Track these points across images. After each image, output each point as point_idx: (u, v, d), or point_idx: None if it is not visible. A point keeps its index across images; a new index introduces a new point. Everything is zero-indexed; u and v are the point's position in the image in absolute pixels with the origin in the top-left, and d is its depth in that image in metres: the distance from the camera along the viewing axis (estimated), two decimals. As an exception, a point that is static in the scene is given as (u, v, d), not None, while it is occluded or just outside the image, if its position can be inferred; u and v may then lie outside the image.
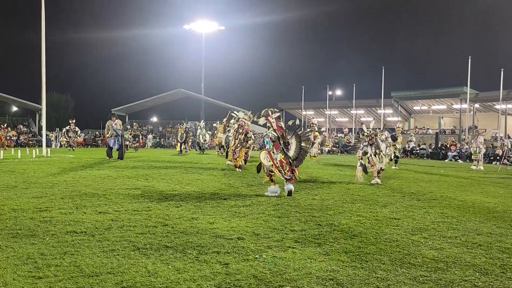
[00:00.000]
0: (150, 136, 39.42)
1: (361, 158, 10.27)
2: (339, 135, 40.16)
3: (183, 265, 3.45)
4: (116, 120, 16.88)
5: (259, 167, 7.89)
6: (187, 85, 48.28)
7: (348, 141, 33.97)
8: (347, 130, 44.09)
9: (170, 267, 3.40)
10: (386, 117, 43.71)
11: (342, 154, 30.98)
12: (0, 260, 3.48)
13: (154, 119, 50.98)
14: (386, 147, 10.95)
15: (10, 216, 5.23)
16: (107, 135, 17.19)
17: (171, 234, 4.44)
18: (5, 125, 28.93)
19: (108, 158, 16.74)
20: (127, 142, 23.71)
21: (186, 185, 8.44)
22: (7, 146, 26.38)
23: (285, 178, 7.40)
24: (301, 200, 7.06)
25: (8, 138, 27.04)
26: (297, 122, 8.39)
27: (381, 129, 13.01)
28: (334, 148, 32.65)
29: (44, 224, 4.81)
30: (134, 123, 34.89)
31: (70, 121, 28.48)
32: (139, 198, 6.74)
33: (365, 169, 10.07)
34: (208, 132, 26.84)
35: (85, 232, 4.48)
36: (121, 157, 16.54)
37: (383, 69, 39.03)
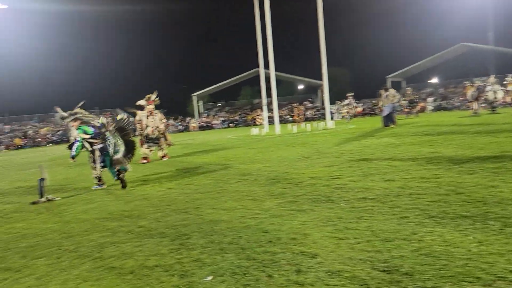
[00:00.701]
0: (430, 99, 37.42)
1: None
2: None
3: (485, 237, 3.12)
4: (389, 91, 17.37)
5: None
6: (469, 38, 43.02)
7: None
8: None
9: (470, 238, 3.13)
10: None
11: None
12: (306, 221, 3.98)
13: (434, 80, 47.97)
14: None
15: (309, 183, 5.93)
16: (380, 105, 17.95)
17: (466, 203, 4.08)
18: (298, 103, 32.86)
19: (385, 126, 16.96)
20: (399, 109, 23.58)
21: (478, 150, 7.62)
22: (299, 121, 29.99)
23: None
24: None
25: (299, 114, 30.68)
26: None
27: None
28: None
29: (337, 191, 5.23)
30: (408, 88, 33.71)
31: (348, 94, 29.98)
32: (425, 165, 6.49)
33: None
34: (501, 88, 23.27)
35: (375, 198, 4.63)
36: (392, 122, 16.99)
37: None
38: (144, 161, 11.16)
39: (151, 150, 11.61)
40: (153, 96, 11.71)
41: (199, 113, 50.50)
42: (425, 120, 20.25)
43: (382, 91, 17.87)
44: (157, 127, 11.59)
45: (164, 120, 12.11)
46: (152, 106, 11.58)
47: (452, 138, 10.15)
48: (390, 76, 46.46)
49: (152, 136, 11.47)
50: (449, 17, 50.65)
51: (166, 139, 11.91)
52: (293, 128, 22.35)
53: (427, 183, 5.17)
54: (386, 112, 17.28)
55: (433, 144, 9.14)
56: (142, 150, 11.32)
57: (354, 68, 61.63)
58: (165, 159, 11.54)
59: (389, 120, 17.16)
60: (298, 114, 30.90)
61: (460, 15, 46.84)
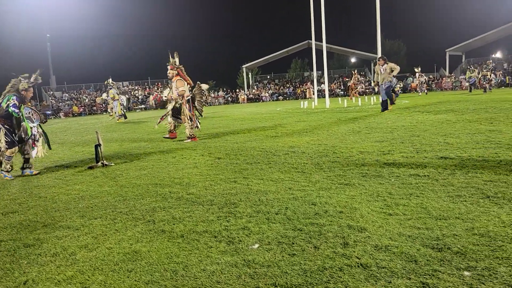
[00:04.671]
0: (492, 75, 35.33)
1: None
2: None
3: (547, 221, 2.95)
4: (385, 65, 13.58)
5: None
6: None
7: None
8: None
9: (530, 220, 2.97)
10: None
11: None
12: (355, 195, 3.93)
13: (497, 55, 45.02)
14: None
15: (358, 158, 5.82)
16: (375, 83, 14.53)
17: (527, 184, 3.87)
18: (355, 72, 31.80)
19: (383, 110, 13.96)
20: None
21: (542, 129, 7.15)
22: (353, 94, 28.99)
23: None
24: None
25: (355, 84, 29.51)
26: None
27: None
28: None
29: (388, 166, 5.10)
30: (488, 61, 32.11)
31: (416, 68, 30.25)
32: (484, 143, 6.17)
33: None
34: None
35: (428, 176, 4.48)
36: (384, 107, 13.97)
37: None
38: (166, 136, 9.74)
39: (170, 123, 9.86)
40: (172, 59, 9.52)
41: (248, 85, 50.55)
42: (486, 97, 19.19)
43: (378, 64, 13.80)
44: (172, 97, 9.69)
45: (182, 89, 9.40)
46: (172, 72, 9.44)
47: (514, 116, 9.56)
48: (449, 49, 44.16)
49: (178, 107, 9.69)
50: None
51: (190, 119, 9.54)
52: (344, 102, 21.91)
53: (484, 162, 4.93)
54: (384, 92, 13.77)
55: (493, 122, 8.66)
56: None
57: (410, 41, 59.17)
58: (187, 141, 9.42)
59: (386, 102, 13.96)
60: (355, 83, 29.47)
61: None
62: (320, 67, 29.73)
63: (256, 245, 2.86)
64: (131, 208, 4.04)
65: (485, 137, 6.77)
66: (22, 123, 6.38)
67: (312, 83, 41.91)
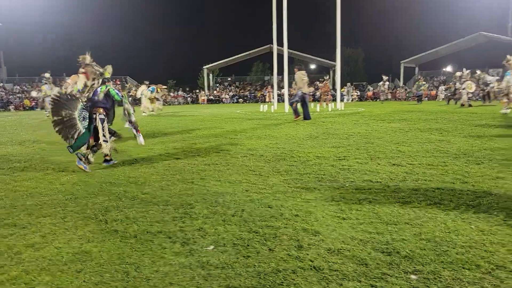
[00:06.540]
0: (441, 87, 37.01)
1: None
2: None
3: (488, 227, 3.11)
4: (298, 73, 13.52)
5: None
6: (489, 28, 42.01)
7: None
8: None
9: (473, 226, 3.13)
10: None
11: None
12: (310, 199, 3.99)
13: (448, 69, 47.19)
14: None
15: (315, 163, 5.92)
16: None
17: (471, 193, 4.07)
18: (326, 78, 31.88)
19: (296, 118, 13.83)
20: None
21: (487, 141, 7.56)
22: (326, 100, 28.79)
23: None
24: None
25: (326, 93, 29.49)
26: None
27: None
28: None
29: (343, 172, 5.23)
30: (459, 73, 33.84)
31: (384, 76, 32.32)
32: (433, 152, 6.45)
33: None
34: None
35: (380, 182, 4.62)
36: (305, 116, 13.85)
37: None
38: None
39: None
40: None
41: (209, 86, 50.27)
42: (436, 109, 20.06)
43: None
44: None
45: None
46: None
47: (462, 128, 10.06)
48: (404, 61, 45.82)
49: None
50: (470, 6, 49.70)
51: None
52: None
53: (433, 170, 5.16)
54: (296, 100, 13.75)
55: (443, 132, 9.07)
56: None
57: (367, 51, 61.06)
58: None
59: (298, 110, 13.87)
60: (325, 92, 29.25)
61: (481, 4, 45.84)
62: (281, 72, 29.97)
63: (211, 247, 2.85)
64: (82, 207, 3.92)
65: (434, 146, 7.08)
66: (125, 105, 6.39)
67: (272, 87, 42.28)
